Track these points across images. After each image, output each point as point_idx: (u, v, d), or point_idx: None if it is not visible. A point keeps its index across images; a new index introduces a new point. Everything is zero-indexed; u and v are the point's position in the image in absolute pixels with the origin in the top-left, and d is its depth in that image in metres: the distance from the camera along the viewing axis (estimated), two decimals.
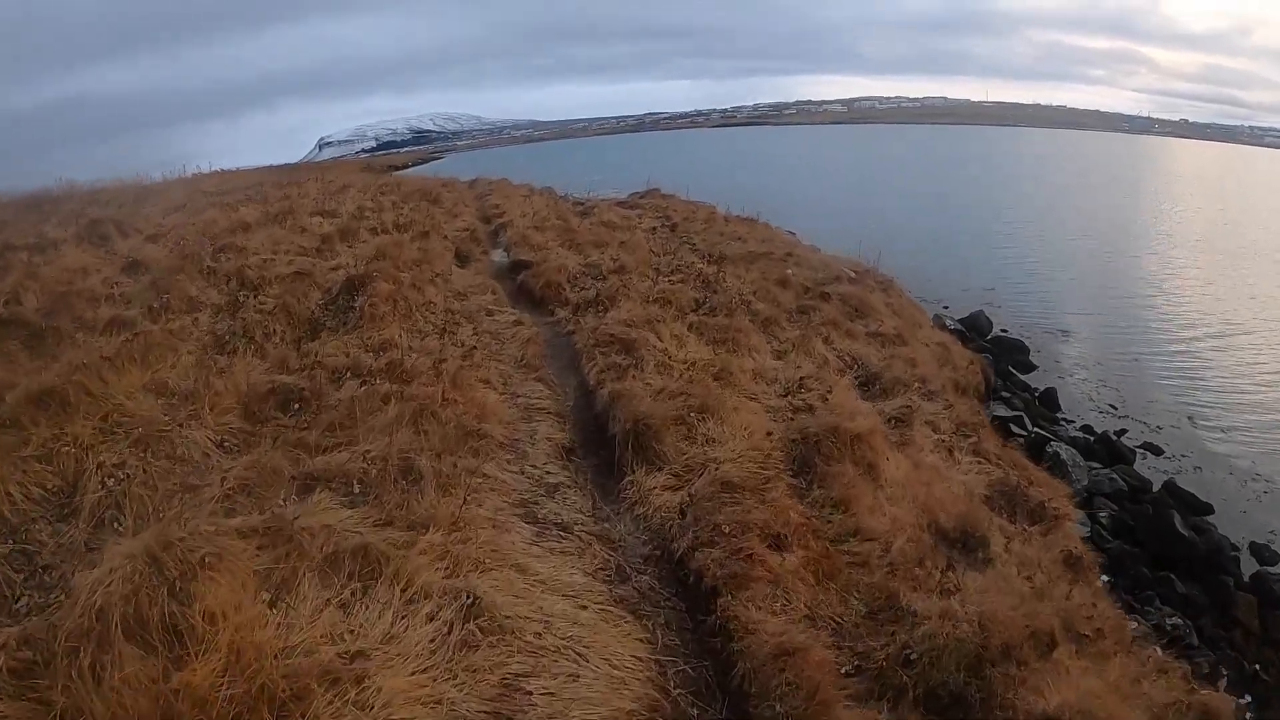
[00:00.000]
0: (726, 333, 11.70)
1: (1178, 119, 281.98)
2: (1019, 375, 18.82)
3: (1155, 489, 13.18)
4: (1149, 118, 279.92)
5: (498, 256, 17.55)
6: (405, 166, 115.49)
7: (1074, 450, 13.84)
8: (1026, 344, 21.15)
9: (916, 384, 11.53)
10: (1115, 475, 13.29)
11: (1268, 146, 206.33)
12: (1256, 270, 33.25)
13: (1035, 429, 14.88)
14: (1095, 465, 13.73)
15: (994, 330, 22.09)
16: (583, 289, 13.72)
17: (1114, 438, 14.98)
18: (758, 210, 32.81)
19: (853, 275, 20.72)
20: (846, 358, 12.36)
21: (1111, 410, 17.18)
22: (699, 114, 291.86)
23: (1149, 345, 22.22)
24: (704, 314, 12.82)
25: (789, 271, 19.03)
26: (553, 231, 19.56)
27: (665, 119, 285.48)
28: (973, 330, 21.49)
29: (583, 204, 31.95)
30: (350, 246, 15.04)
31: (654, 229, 27.52)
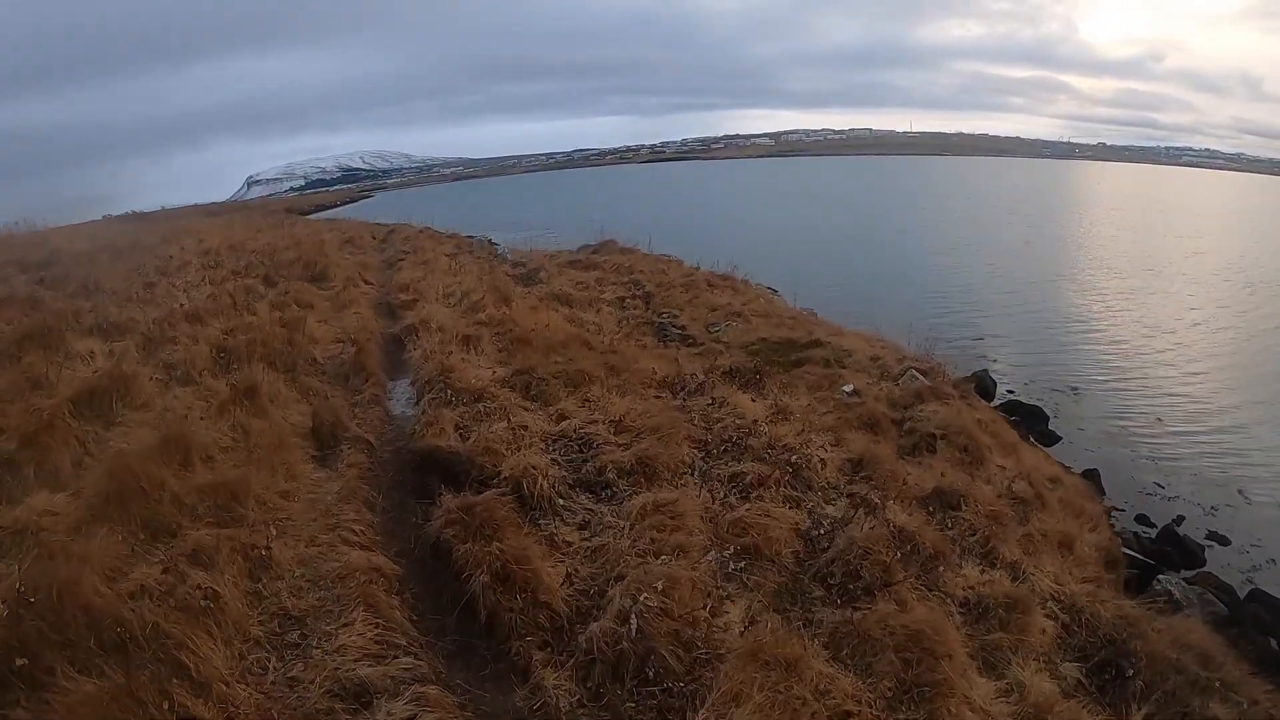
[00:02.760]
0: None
1: (1096, 143, 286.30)
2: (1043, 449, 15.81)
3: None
4: (1069, 143, 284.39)
5: (398, 405, 9.95)
6: (333, 205, 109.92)
7: (1183, 584, 11.02)
8: (1044, 409, 18.30)
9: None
10: (1210, 595, 10.76)
11: (1185, 165, 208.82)
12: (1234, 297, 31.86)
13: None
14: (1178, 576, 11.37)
15: (998, 391, 19.59)
16: (588, 562, 6.33)
17: (1178, 532, 13.06)
18: (729, 262, 28.19)
19: (922, 378, 15.02)
20: None
21: (1159, 491, 14.78)
22: (628, 149, 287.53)
23: (1171, 403, 19.42)
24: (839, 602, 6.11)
25: (847, 390, 13.84)
26: (490, 336, 12.18)
27: (595, 155, 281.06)
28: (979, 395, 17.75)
29: (523, 265, 24.84)
30: (107, 428, 7.56)
31: (623, 302, 20.57)
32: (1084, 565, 8.88)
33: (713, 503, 7.36)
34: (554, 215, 66.03)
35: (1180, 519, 13.59)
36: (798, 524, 7.29)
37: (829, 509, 7.86)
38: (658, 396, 10.36)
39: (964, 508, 8.56)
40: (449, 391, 9.19)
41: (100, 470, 6.33)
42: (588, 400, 9.49)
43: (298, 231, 31.41)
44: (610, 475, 7.59)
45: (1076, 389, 20.43)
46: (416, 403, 9.56)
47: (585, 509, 7.12)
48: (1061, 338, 25.67)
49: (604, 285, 22.65)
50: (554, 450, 8.10)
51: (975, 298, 31.26)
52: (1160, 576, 11.14)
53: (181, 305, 12.13)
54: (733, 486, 7.84)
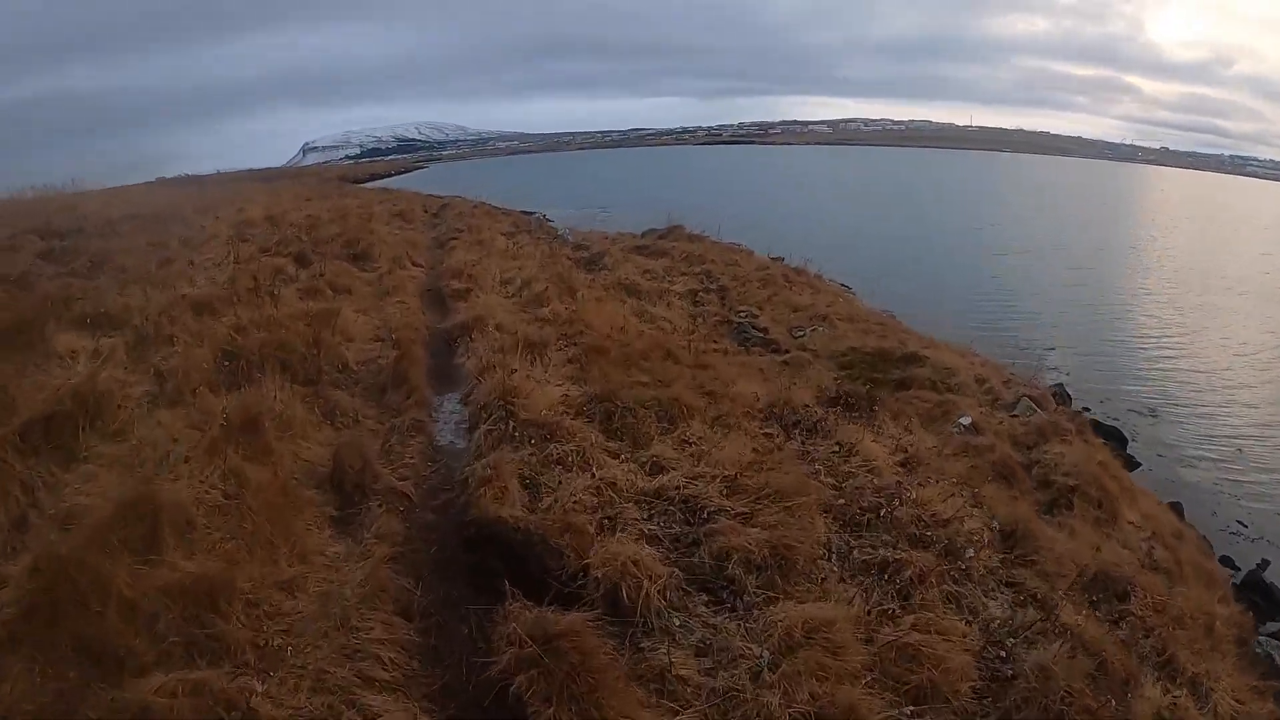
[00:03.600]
0: None
1: (1159, 147, 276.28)
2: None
3: None
4: (1131, 145, 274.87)
5: (446, 431, 7.88)
6: (387, 175, 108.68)
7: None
8: (1123, 431, 16.48)
9: None
10: None
11: (1249, 176, 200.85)
12: None
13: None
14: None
15: (1074, 407, 16.87)
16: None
17: (1264, 579, 11.36)
18: (797, 253, 26.21)
19: (1037, 409, 13.34)
20: None
21: (1242, 530, 13.25)
22: (684, 131, 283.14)
23: (1255, 434, 17.31)
24: None
25: (965, 423, 11.64)
26: (557, 340, 10.11)
27: (651, 135, 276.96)
28: None
29: (586, 248, 22.75)
30: (66, 467, 5.61)
31: (696, 295, 18.39)
32: (1224, 647, 7.44)
33: (867, 610, 5.30)
34: (611, 194, 64.21)
35: (1265, 563, 12.19)
36: (966, 636, 5.42)
37: (992, 605, 6.02)
38: (766, 433, 8.29)
39: (1131, 598, 7.03)
40: (511, 422, 7.10)
41: (22, 566, 4.33)
42: (686, 441, 7.38)
43: (347, 202, 29.50)
44: (734, 570, 5.50)
45: (1154, 411, 18.51)
46: (470, 433, 7.49)
47: (703, 623, 5.04)
48: (1138, 353, 23.58)
49: (673, 275, 20.48)
50: (652, 519, 6.05)
51: (1046, 303, 28.94)
52: (1260, 638, 9.56)
53: (188, 292, 10.12)
54: (885, 581, 5.79)
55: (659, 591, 5.07)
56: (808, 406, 9.40)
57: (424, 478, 6.66)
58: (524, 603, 4.68)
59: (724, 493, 6.41)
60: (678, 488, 6.43)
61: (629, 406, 7.75)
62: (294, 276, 12.31)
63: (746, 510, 6.16)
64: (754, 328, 16.69)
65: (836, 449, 8.03)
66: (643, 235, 27.73)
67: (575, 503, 5.78)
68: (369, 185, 78.54)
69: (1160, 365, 22.18)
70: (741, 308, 18.14)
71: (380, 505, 5.87)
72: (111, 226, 17.21)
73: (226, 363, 7.60)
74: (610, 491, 6.13)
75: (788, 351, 15.62)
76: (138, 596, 4.26)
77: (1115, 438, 15.69)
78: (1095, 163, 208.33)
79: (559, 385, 8.36)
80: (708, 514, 6.12)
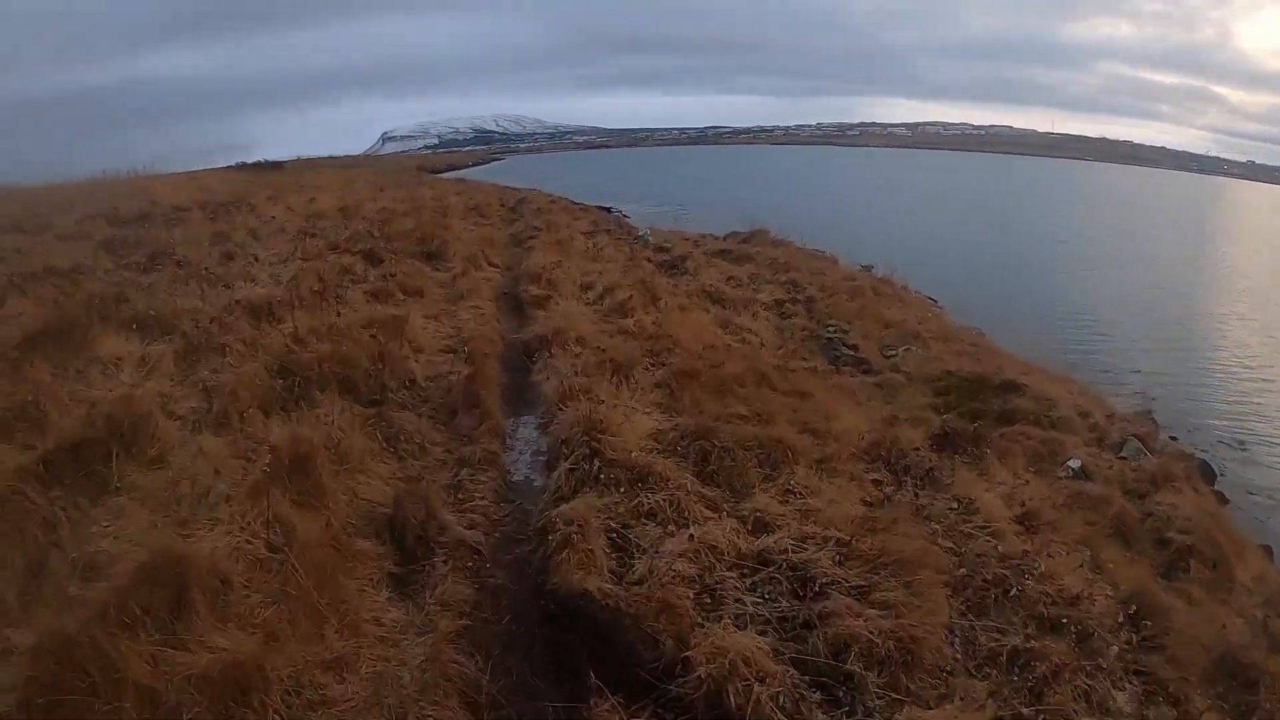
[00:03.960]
0: None
1: (1245, 160, 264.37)
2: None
3: None
4: (1218, 158, 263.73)
5: (521, 464, 7.03)
6: (464, 166, 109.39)
7: None
8: (1211, 465, 14.46)
9: None
10: None
11: None
12: None
13: None
14: None
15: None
16: None
17: None
18: (878, 261, 25.23)
19: (1145, 451, 12.47)
20: None
21: None
22: (761, 130, 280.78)
23: None
24: None
25: (1075, 466, 10.59)
26: (643, 356, 9.23)
27: (728, 133, 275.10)
28: None
29: (667, 250, 21.90)
30: (94, 502, 4.91)
31: (782, 306, 17.41)
32: None
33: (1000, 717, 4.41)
34: (688, 192, 63.23)
35: None
36: None
37: (1120, 698, 5.15)
38: (875, 480, 7.31)
39: (1261, 688, 5.94)
40: (596, 461, 6.23)
41: (25, 643, 3.59)
42: (790, 491, 6.43)
43: (422, 194, 28.99)
44: (853, 664, 4.55)
45: (1244, 445, 16.67)
46: (548, 469, 6.63)
47: None
48: (1228, 382, 21.49)
49: (758, 283, 19.50)
50: (756, 589, 5.13)
51: (1132, 322, 26.87)
52: None
53: (246, 294, 9.37)
54: (1017, 676, 4.88)
55: (771, 697, 4.15)
56: (917, 449, 8.39)
57: (495, 523, 5.81)
58: (612, 702, 3.83)
59: (836, 559, 5.48)
60: (784, 551, 5.49)
61: (727, 446, 6.82)
62: (362, 276, 11.59)
63: (863, 583, 5.23)
64: (844, 344, 15.64)
65: (954, 506, 7.02)
66: (724, 238, 26.74)
67: (671, 573, 4.88)
68: (446, 176, 78.86)
69: (1253, 397, 20.22)
70: (830, 321, 17.08)
71: (446, 562, 5.04)
72: (179, 214, 16.81)
73: (281, 380, 6.83)
74: (710, 556, 5.22)
75: (880, 373, 14.56)
76: (158, 684, 3.49)
77: (1204, 472, 14.21)
78: (1184, 175, 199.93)
79: (648, 413, 7.48)
80: (820, 586, 5.18)
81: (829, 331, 16.38)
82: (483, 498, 6.05)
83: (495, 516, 5.89)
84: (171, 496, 4.91)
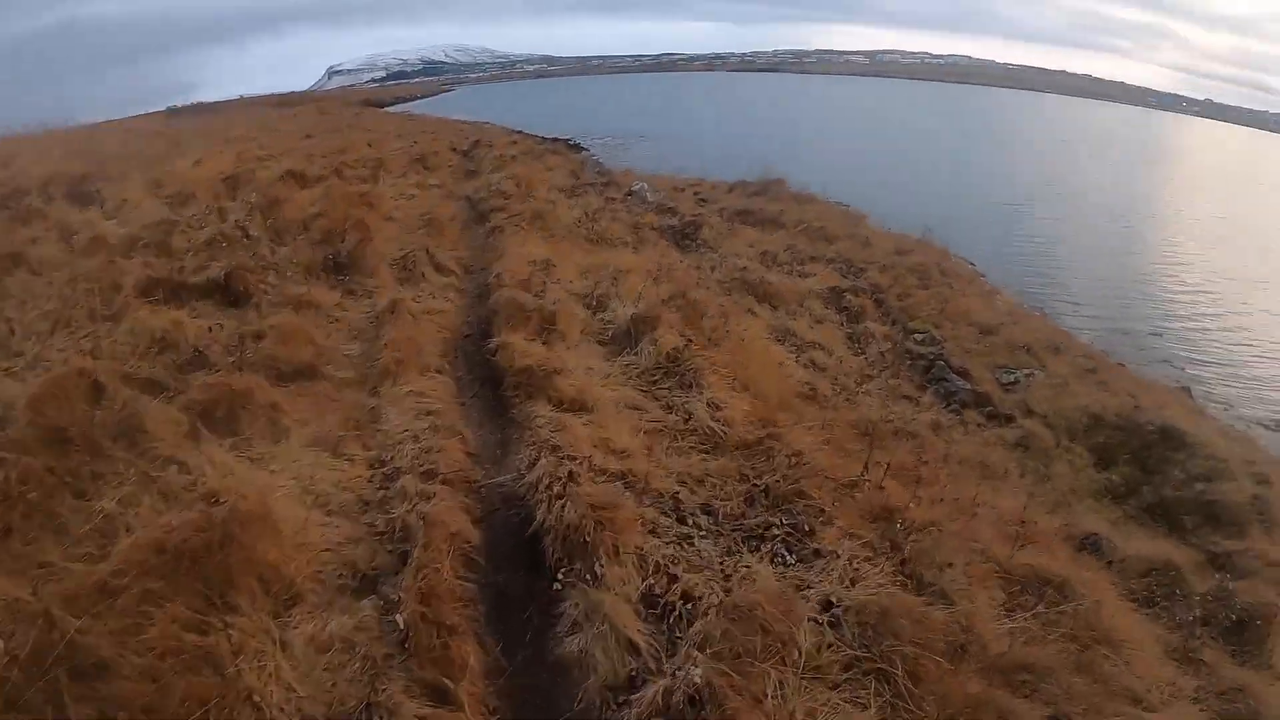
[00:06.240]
0: None
1: (1203, 99, 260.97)
2: None
3: None
4: (1176, 95, 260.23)
5: None
6: (412, 99, 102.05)
7: None
8: None
9: None
10: None
11: None
12: None
13: None
14: None
15: None
16: None
17: None
18: (901, 216, 20.56)
19: None
20: None
21: None
22: (717, 57, 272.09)
23: None
24: None
25: None
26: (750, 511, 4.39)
27: (683, 60, 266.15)
28: None
29: (670, 210, 17.07)
30: None
31: (841, 297, 12.97)
32: None
33: None
34: (647, 122, 57.79)
35: None
36: None
37: None
38: None
39: None
40: None
41: None
42: None
43: (355, 140, 23.28)
44: None
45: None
46: None
47: None
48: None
49: (800, 259, 14.60)
50: None
51: (1182, 294, 22.96)
52: None
53: None
54: None
55: None
56: None
57: None
58: None
59: None
60: None
61: None
62: (188, 353, 6.04)
63: None
64: (949, 366, 10.90)
65: None
66: (731, 189, 21.67)
67: None
68: (393, 109, 72.34)
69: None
70: (913, 325, 12.33)
71: None
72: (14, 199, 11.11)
73: None
74: None
75: (1010, 419, 9.90)
76: None
77: None
78: (1142, 110, 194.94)
79: None
80: None
81: (919, 343, 11.66)
82: None
83: None
84: None
